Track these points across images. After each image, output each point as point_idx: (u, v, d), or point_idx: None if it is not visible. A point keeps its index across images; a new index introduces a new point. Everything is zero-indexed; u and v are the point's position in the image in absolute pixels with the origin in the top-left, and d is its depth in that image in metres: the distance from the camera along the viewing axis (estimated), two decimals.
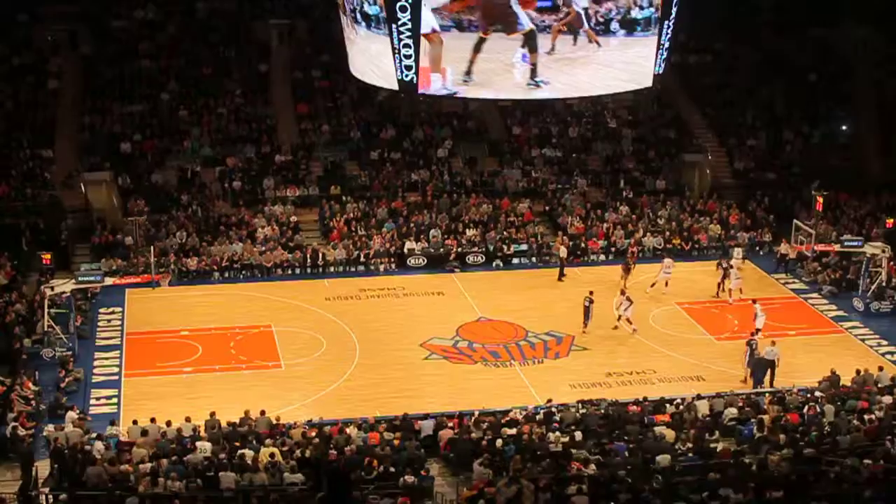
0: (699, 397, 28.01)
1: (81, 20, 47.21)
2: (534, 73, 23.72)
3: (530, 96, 24.96)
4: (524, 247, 40.89)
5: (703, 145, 47.72)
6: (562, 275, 38.93)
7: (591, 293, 34.29)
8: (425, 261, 39.95)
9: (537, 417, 26.76)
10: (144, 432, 25.45)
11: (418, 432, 26.32)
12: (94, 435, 25.47)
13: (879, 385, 28.98)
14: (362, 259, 39.68)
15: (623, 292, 34.63)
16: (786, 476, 22.78)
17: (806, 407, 27.20)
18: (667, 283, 37.12)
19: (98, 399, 29.20)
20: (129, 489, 22.74)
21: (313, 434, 25.49)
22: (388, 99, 45.77)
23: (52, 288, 32.09)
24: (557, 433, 25.64)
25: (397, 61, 23.73)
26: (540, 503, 21.85)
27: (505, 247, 40.64)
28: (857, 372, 29.52)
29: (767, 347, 30.54)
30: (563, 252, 39.41)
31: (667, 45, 24.79)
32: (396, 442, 25.26)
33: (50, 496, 23.25)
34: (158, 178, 42.47)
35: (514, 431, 25.74)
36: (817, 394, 28.22)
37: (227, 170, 43.31)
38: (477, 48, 23.30)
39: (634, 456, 24.47)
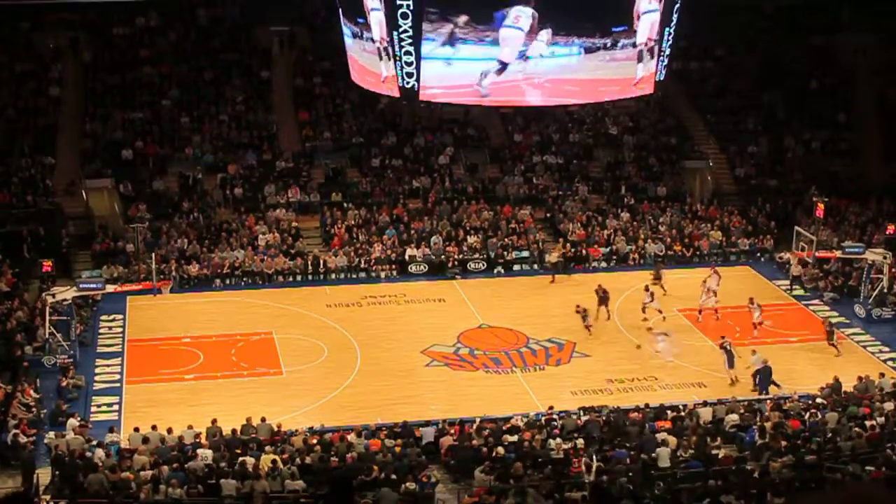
0: (705, 404, 28.01)
1: (83, 27, 47.26)
2: None
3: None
4: (525, 253, 40.88)
5: (704, 152, 47.74)
6: (553, 279, 39.37)
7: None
8: (426, 268, 39.94)
9: (538, 424, 26.75)
10: (145, 440, 25.46)
11: (419, 439, 26.31)
12: (94, 442, 25.47)
13: (883, 391, 28.96)
14: (363, 266, 39.68)
15: (647, 288, 35.64)
16: (787, 482, 22.76)
17: (807, 414, 27.20)
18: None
19: (99, 406, 29.22)
20: (130, 496, 22.74)
21: (315, 441, 25.50)
22: (389, 106, 45.79)
23: (54, 295, 32.10)
24: (559, 440, 25.66)
25: (398, 68, 23.71)
26: None
27: (506, 253, 40.64)
28: (860, 379, 29.49)
29: (752, 357, 30.54)
30: (554, 257, 39.59)
31: (667, 51, 24.79)
32: (398, 449, 25.25)
33: (51, 503, 23.25)
34: (160, 185, 42.47)
35: (515, 438, 25.75)
36: (819, 400, 28.22)
37: (229, 177, 43.31)
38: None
39: (635, 463, 24.49)
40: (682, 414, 27.45)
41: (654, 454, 24.91)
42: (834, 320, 35.94)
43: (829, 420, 26.97)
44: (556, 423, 26.80)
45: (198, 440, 25.85)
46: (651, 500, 21.91)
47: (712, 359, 32.41)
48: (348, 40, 25.49)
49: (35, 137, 43.05)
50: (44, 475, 24.50)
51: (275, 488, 23.37)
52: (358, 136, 45.86)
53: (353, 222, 41.76)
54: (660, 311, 35.14)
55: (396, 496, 22.63)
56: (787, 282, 39.28)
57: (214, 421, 26.47)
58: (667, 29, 24.27)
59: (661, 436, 25.91)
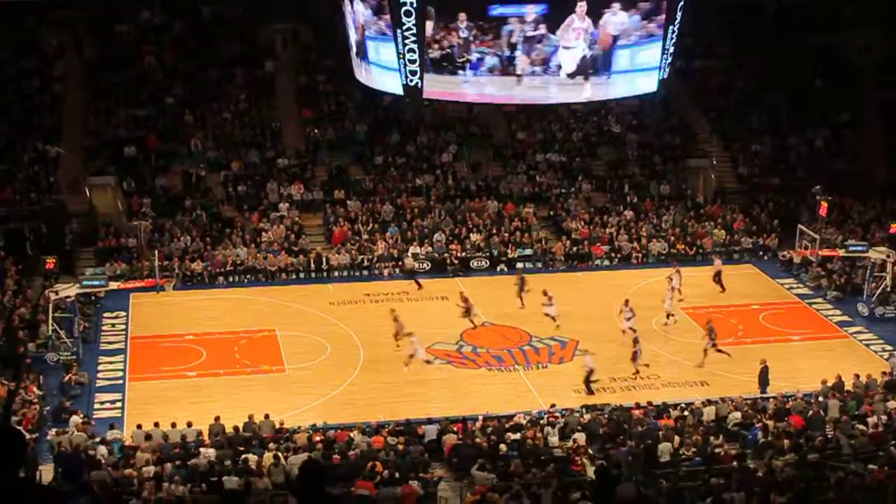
0: (709, 402, 28.00)
1: (86, 24, 47.21)
2: None
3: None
4: (529, 251, 40.84)
5: (707, 150, 47.70)
6: (420, 286, 38.35)
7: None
8: (429, 265, 39.92)
9: (541, 422, 26.76)
10: (148, 437, 25.47)
11: (422, 437, 26.31)
12: (97, 439, 25.49)
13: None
14: (366, 264, 39.67)
15: (545, 292, 34.74)
16: (790, 481, 22.73)
17: (810, 412, 27.21)
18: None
19: (102, 403, 29.22)
20: (133, 494, 22.75)
21: (318, 439, 25.52)
22: (392, 103, 45.72)
23: (57, 292, 32.13)
24: (557, 430, 25.75)
25: (402, 66, 23.76)
26: None
27: (508, 250, 40.60)
28: (857, 377, 29.42)
29: (585, 358, 30.46)
30: (409, 264, 39.16)
31: (671, 50, 24.79)
32: (400, 447, 25.25)
33: None
34: (163, 183, 42.48)
35: (518, 436, 25.76)
36: (821, 399, 28.21)
37: (232, 174, 43.29)
38: None
39: (637, 458, 24.55)
40: (686, 413, 27.44)
41: (658, 449, 25.01)
42: (837, 319, 36.01)
43: (831, 407, 27.14)
44: (558, 422, 26.84)
45: (200, 438, 25.87)
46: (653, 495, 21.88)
47: (714, 357, 32.41)
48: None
49: (39, 135, 43.00)
50: (46, 472, 24.51)
51: (279, 482, 23.39)
52: (361, 133, 45.85)
53: (354, 215, 41.77)
54: (554, 319, 34.55)
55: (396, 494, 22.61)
56: (791, 280, 39.32)
57: (217, 418, 26.47)
58: (671, 27, 24.28)
59: (663, 433, 25.96)
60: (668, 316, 34.92)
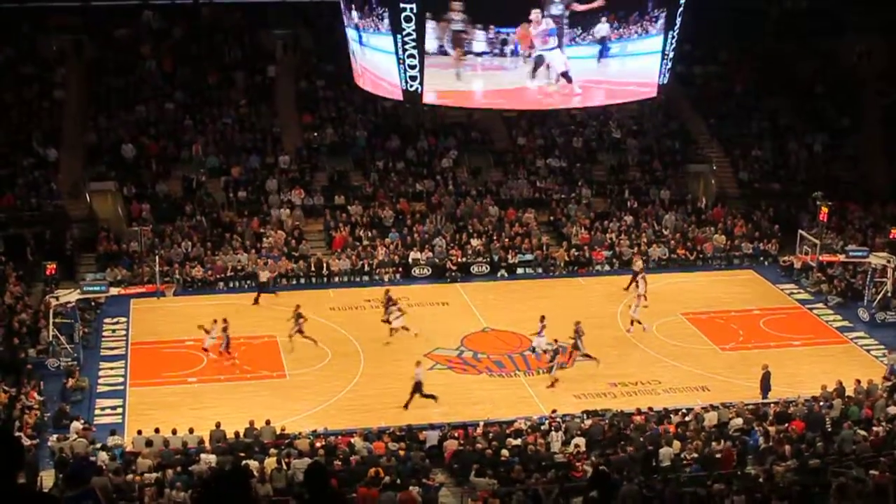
0: (711, 407, 27.99)
1: (86, 30, 47.21)
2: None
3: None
4: (530, 257, 40.83)
5: (707, 156, 47.70)
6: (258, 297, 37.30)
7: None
8: (430, 271, 39.89)
9: (542, 427, 26.77)
10: (149, 443, 25.47)
11: (423, 442, 26.32)
12: (98, 445, 25.48)
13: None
14: (367, 269, 39.66)
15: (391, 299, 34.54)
16: (791, 486, 22.72)
17: (811, 411, 27.31)
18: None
19: (103, 409, 29.21)
20: (134, 500, 22.74)
21: (319, 444, 25.52)
22: (392, 108, 45.74)
23: (58, 298, 32.12)
24: (560, 434, 25.73)
25: (402, 71, 23.74)
26: None
27: (509, 255, 40.58)
28: (858, 382, 29.43)
29: (416, 369, 29.96)
30: (263, 276, 37.95)
31: (671, 55, 24.80)
32: (401, 452, 25.25)
33: None
34: (164, 188, 42.46)
35: (519, 442, 25.77)
36: (822, 403, 28.22)
37: (232, 179, 43.27)
38: None
39: (636, 462, 24.57)
40: (687, 419, 27.44)
41: (659, 452, 25.06)
42: (838, 324, 36.01)
43: (834, 407, 27.45)
44: (559, 426, 26.86)
45: (201, 444, 25.87)
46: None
47: (715, 362, 32.45)
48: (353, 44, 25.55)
49: (39, 140, 42.97)
50: (47, 478, 24.51)
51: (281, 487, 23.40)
52: (362, 138, 45.88)
53: (355, 220, 41.76)
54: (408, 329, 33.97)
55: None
56: (792, 285, 39.32)
57: (219, 424, 26.46)
58: (670, 33, 24.29)
59: (664, 438, 25.98)
60: (632, 322, 34.59)
